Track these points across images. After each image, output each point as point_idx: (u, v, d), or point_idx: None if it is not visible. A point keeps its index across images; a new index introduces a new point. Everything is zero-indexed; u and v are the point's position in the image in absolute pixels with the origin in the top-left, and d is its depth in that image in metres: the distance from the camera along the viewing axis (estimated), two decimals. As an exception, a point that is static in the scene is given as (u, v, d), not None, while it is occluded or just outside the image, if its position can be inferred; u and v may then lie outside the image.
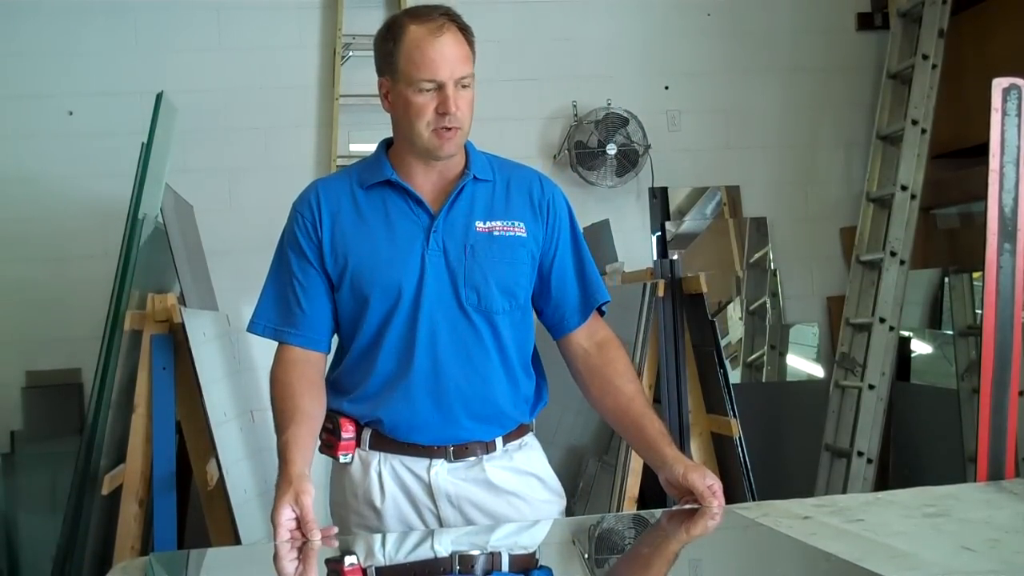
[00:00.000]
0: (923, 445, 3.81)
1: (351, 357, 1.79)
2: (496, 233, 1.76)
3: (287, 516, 1.55)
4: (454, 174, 1.78)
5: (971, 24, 4.01)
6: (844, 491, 3.62)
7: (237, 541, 2.66)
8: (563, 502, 1.89)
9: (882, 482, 3.76)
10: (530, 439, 1.87)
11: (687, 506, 1.68)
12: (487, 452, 1.78)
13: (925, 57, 3.89)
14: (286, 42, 4.02)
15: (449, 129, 1.69)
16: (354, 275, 1.74)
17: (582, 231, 1.90)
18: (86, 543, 2.78)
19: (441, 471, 1.76)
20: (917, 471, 3.78)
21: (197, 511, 2.99)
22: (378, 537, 1.73)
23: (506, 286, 1.75)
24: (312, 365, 1.78)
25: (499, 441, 1.79)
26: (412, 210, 1.75)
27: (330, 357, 1.84)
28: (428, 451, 1.76)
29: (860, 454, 3.71)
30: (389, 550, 1.64)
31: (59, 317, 3.76)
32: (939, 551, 1.40)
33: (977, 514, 1.62)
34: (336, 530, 1.65)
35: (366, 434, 1.78)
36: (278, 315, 1.79)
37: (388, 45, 1.70)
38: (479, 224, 1.75)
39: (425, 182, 1.77)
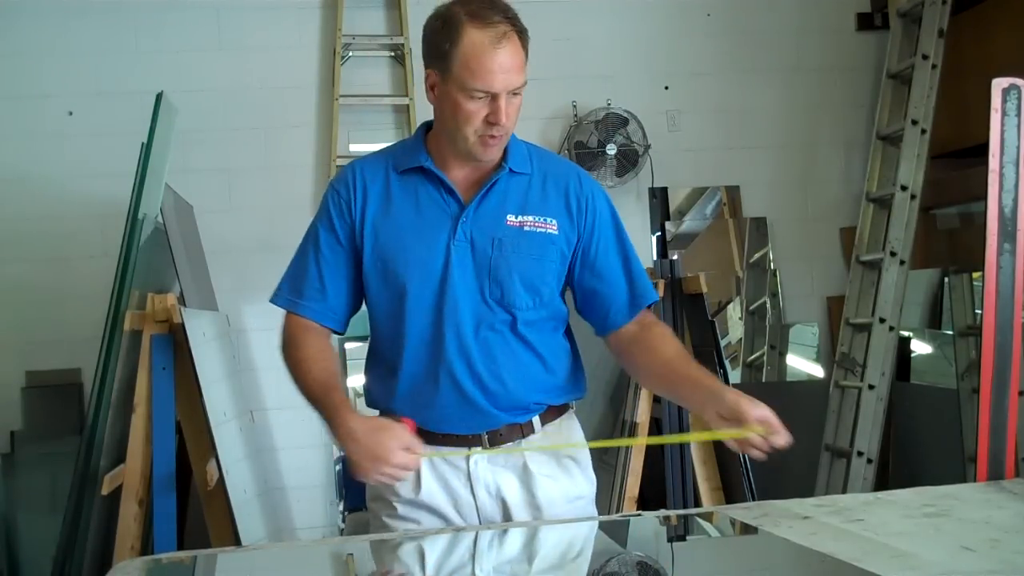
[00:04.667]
0: (923, 445, 3.81)
1: (382, 345, 1.80)
2: (527, 228, 1.74)
3: (405, 458, 1.57)
4: (490, 165, 1.76)
5: (971, 24, 4.01)
6: (844, 491, 3.62)
7: (237, 541, 2.66)
8: (593, 488, 1.88)
9: (882, 482, 3.76)
10: (569, 418, 1.86)
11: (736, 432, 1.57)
12: (524, 435, 1.78)
13: (925, 57, 3.89)
14: (286, 42, 4.01)
15: (495, 137, 1.67)
16: (382, 259, 1.74)
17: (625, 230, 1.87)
18: (86, 543, 2.78)
19: (480, 459, 1.76)
20: (917, 471, 3.78)
21: (197, 511, 2.99)
22: (421, 544, 1.69)
23: (530, 282, 1.74)
24: (323, 336, 1.79)
25: (536, 422, 1.79)
26: (443, 198, 1.74)
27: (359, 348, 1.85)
28: (464, 440, 1.76)
29: (860, 454, 3.71)
30: (429, 559, 1.62)
31: (59, 317, 3.76)
32: (939, 551, 1.40)
33: (977, 514, 1.62)
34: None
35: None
36: (298, 287, 1.80)
37: (444, 42, 1.65)
38: (511, 218, 1.74)
39: (460, 171, 1.76)
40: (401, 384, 1.76)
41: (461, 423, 1.75)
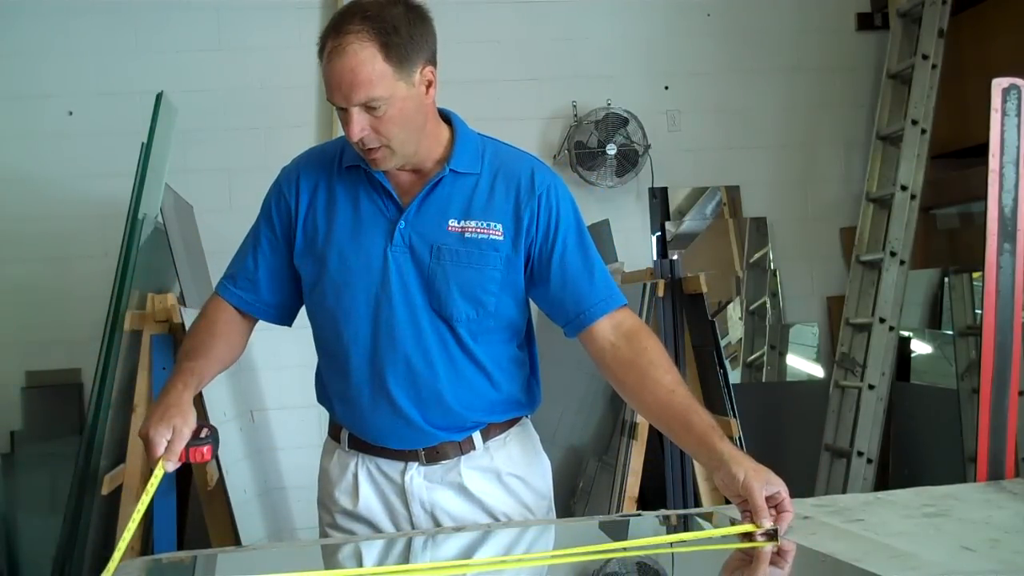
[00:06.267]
0: (923, 445, 3.81)
1: (321, 353, 1.74)
2: (468, 234, 1.62)
3: (164, 436, 1.49)
4: (431, 164, 1.64)
5: (971, 24, 4.01)
6: (844, 491, 3.62)
7: (237, 541, 2.66)
8: (545, 504, 1.79)
9: (882, 482, 3.76)
10: (516, 433, 1.75)
11: (743, 528, 1.46)
12: (463, 452, 1.69)
13: (925, 57, 3.89)
14: (286, 42, 4.01)
15: (369, 149, 1.56)
16: (315, 259, 1.66)
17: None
18: (86, 543, 2.78)
19: (416, 475, 1.69)
20: (917, 471, 3.78)
21: (197, 511, 2.99)
22: (359, 547, 1.64)
23: (470, 292, 1.62)
24: (233, 319, 1.73)
25: (477, 438, 1.70)
26: (382, 201, 1.64)
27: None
28: (401, 454, 1.69)
29: (860, 454, 3.71)
30: (367, 562, 1.55)
31: (59, 317, 3.76)
32: (939, 551, 1.40)
33: (977, 514, 1.61)
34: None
35: (344, 434, 1.74)
36: (233, 275, 1.75)
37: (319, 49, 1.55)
38: (452, 223, 1.62)
39: (401, 172, 1.64)
40: (338, 391, 1.71)
41: (395, 438, 1.68)
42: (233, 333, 1.74)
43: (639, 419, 2.94)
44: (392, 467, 1.71)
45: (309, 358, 1.74)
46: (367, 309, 1.63)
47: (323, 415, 1.83)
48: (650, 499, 3.11)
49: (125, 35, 3.91)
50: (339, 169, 1.69)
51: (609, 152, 4.07)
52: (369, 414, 1.68)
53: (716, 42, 4.32)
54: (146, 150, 3.05)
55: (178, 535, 2.80)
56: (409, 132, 1.57)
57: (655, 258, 3.89)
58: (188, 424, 1.51)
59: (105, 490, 2.69)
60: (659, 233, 4.23)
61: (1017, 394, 1.90)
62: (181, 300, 2.96)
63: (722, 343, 4.08)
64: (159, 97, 3.14)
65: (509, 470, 1.73)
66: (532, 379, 1.79)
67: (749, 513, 1.46)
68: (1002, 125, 1.91)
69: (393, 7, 1.53)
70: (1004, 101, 1.90)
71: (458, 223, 1.63)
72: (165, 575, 1.62)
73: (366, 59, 1.49)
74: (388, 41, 1.50)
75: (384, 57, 1.50)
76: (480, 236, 1.62)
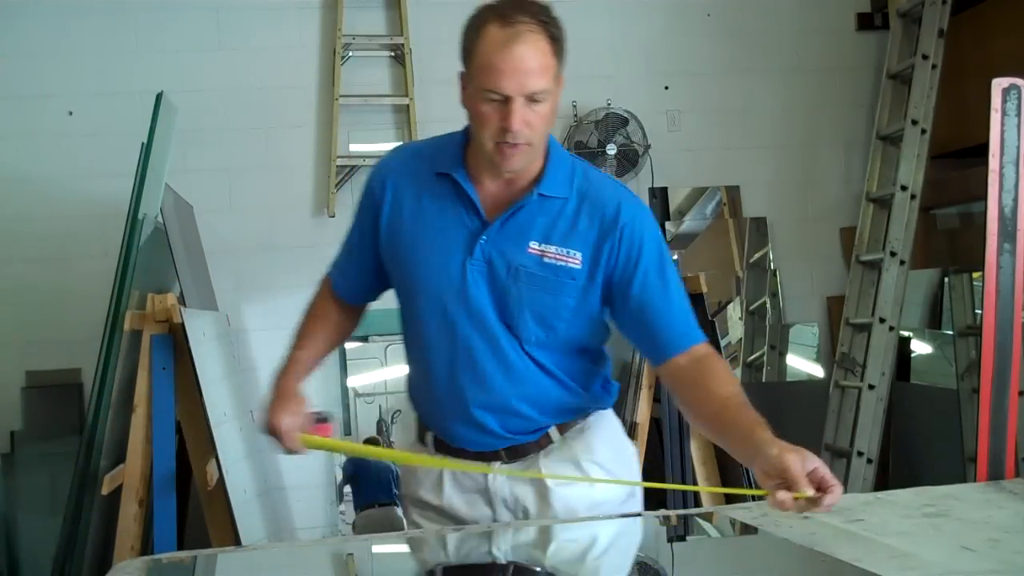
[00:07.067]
0: (923, 445, 3.81)
1: (407, 356, 1.79)
2: (547, 259, 1.61)
3: (289, 421, 1.62)
4: (525, 183, 1.63)
5: (971, 24, 4.01)
6: (844, 491, 3.62)
7: (237, 541, 2.66)
8: (625, 491, 1.79)
9: (882, 482, 3.76)
10: (593, 422, 1.76)
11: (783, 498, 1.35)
12: (541, 447, 1.72)
13: (925, 57, 3.89)
14: (286, 42, 4.01)
15: (514, 145, 1.54)
16: (399, 265, 1.70)
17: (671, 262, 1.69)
18: (86, 543, 2.78)
19: (499, 475, 1.72)
20: (917, 471, 3.78)
21: (197, 511, 2.99)
22: (441, 534, 1.71)
23: (542, 316, 1.63)
24: (338, 305, 1.83)
25: (554, 432, 1.73)
26: (466, 213, 1.64)
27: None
28: (483, 455, 1.72)
29: (860, 454, 3.71)
30: (451, 549, 1.65)
31: (59, 317, 3.76)
32: (939, 551, 1.40)
33: (977, 514, 1.62)
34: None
35: (430, 436, 1.77)
36: (337, 258, 1.84)
37: (468, 40, 1.55)
38: (533, 245, 1.61)
39: (492, 185, 1.64)
40: (422, 394, 1.77)
41: (474, 443, 1.72)
42: (334, 312, 1.84)
43: (639, 419, 2.95)
44: (516, 468, 1.74)
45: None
46: (444, 319, 1.66)
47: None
48: (650, 499, 3.11)
49: (125, 35, 3.91)
50: (429, 174, 1.68)
51: (609, 152, 4.07)
52: (449, 419, 1.72)
53: (716, 42, 4.32)
54: (146, 150, 3.05)
55: (178, 535, 2.80)
56: (546, 132, 1.60)
57: (655, 258, 3.89)
58: (305, 410, 1.65)
59: (105, 490, 2.69)
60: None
61: (1017, 394, 1.90)
62: (181, 300, 2.96)
63: (722, 343, 4.10)
64: (159, 97, 3.14)
65: (589, 457, 1.74)
66: (605, 380, 1.80)
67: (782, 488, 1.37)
68: (1002, 125, 1.91)
69: (549, 7, 1.57)
70: (1004, 101, 1.90)
71: (538, 246, 1.62)
72: (165, 575, 1.62)
73: (542, 51, 1.52)
74: (557, 36, 1.55)
75: (552, 51, 1.54)
76: (559, 263, 1.62)
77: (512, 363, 1.66)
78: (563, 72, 1.58)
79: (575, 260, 1.62)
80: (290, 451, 1.63)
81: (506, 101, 1.51)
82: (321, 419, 1.69)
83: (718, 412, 1.55)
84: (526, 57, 1.50)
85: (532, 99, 1.52)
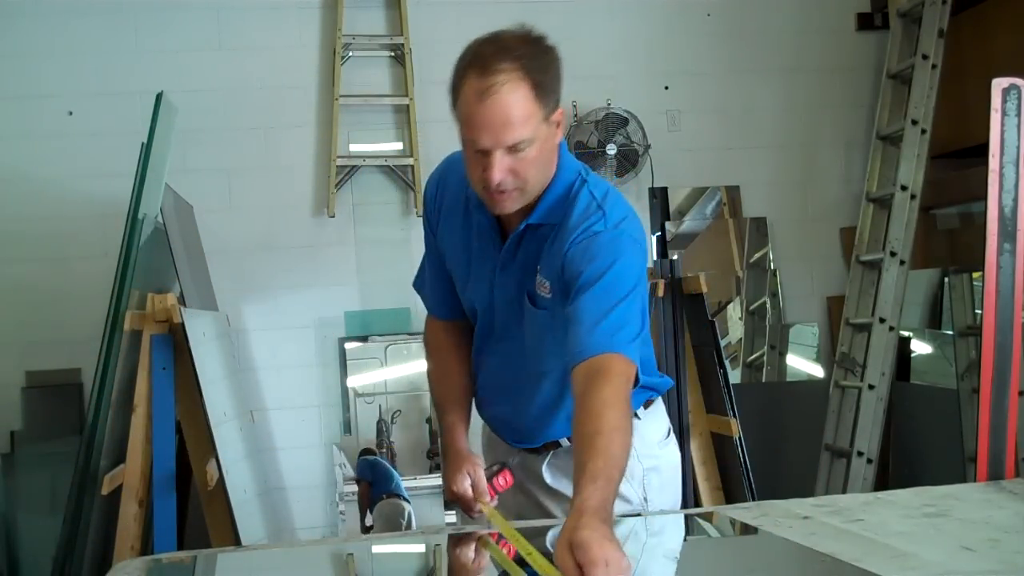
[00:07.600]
0: (923, 445, 3.82)
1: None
2: (539, 291, 1.63)
3: (466, 484, 1.67)
4: (530, 210, 1.62)
5: (971, 24, 4.01)
6: (844, 491, 3.62)
7: (237, 541, 2.66)
8: (650, 494, 1.75)
9: (882, 482, 3.76)
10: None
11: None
12: (549, 451, 1.80)
13: (925, 57, 3.89)
14: (286, 42, 4.02)
15: (502, 192, 1.53)
16: (452, 272, 1.78)
17: (625, 278, 1.55)
18: (86, 543, 2.78)
19: (549, 463, 1.78)
20: (917, 471, 3.78)
21: (197, 511, 2.99)
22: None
23: (554, 347, 1.60)
24: (454, 328, 1.84)
25: (564, 440, 1.79)
26: (492, 234, 1.67)
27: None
28: (536, 451, 1.79)
29: (860, 454, 3.71)
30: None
31: (59, 317, 3.76)
32: (939, 551, 1.40)
33: (977, 514, 1.61)
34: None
35: (486, 429, 1.89)
36: (421, 277, 1.87)
37: (454, 83, 1.53)
38: (537, 277, 1.63)
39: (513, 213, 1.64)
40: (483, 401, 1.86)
41: (522, 438, 1.80)
42: (453, 335, 1.84)
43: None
44: (529, 457, 1.80)
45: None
46: (483, 328, 1.76)
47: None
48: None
49: (125, 35, 3.91)
50: (472, 193, 1.65)
51: (609, 152, 4.07)
52: (498, 415, 1.83)
53: (716, 42, 4.32)
54: (146, 150, 3.05)
55: (178, 535, 2.80)
56: (541, 173, 1.57)
57: (655, 258, 3.89)
58: (479, 466, 1.70)
59: (105, 490, 2.69)
60: (659, 233, 4.23)
61: (1017, 394, 1.90)
62: (181, 300, 2.97)
63: (722, 343, 4.08)
64: (159, 97, 3.14)
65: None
66: (641, 386, 1.68)
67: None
68: (1002, 125, 1.91)
69: (537, 45, 1.54)
70: (1004, 101, 1.90)
71: (534, 277, 1.64)
72: (165, 575, 1.62)
73: (519, 100, 1.47)
74: (540, 80, 1.49)
75: (535, 97, 1.49)
76: (541, 294, 1.63)
77: (539, 382, 1.71)
78: (553, 109, 1.53)
79: (545, 289, 1.61)
80: (474, 517, 1.68)
81: (487, 153, 1.49)
82: (498, 469, 1.75)
83: (576, 441, 1.41)
84: (504, 110, 1.46)
85: (514, 148, 1.49)
